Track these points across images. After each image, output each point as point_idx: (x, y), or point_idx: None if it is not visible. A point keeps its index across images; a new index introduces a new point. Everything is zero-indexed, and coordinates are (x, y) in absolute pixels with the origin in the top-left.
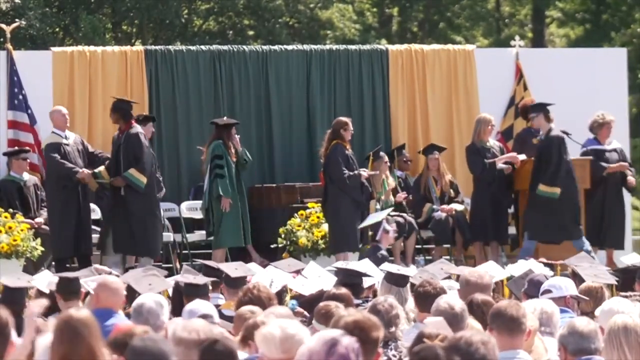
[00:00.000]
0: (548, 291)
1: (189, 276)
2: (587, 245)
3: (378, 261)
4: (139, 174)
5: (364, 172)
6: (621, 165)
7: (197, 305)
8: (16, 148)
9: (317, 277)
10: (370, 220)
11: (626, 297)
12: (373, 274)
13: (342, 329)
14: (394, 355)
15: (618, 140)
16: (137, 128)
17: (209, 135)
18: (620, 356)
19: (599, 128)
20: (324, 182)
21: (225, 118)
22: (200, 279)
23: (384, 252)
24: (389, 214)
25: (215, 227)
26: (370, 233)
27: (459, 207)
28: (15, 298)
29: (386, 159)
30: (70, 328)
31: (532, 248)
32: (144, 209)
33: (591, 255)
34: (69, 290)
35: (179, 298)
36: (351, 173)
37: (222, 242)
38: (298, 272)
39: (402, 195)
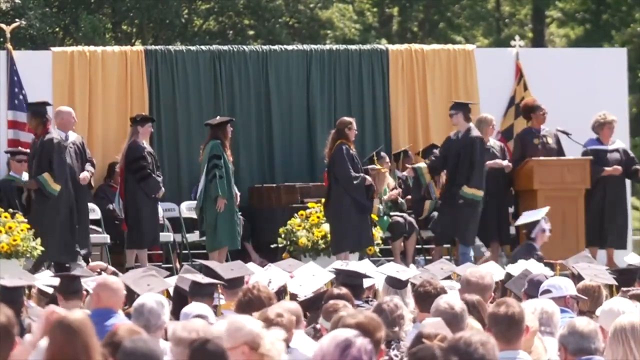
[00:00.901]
0: (548, 291)
1: (192, 276)
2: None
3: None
4: (52, 181)
5: (370, 173)
6: (615, 169)
7: (192, 307)
8: (19, 148)
9: (311, 276)
10: (528, 218)
11: (627, 291)
12: (372, 275)
13: None
14: (396, 356)
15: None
16: (52, 133)
17: (208, 134)
18: (627, 352)
19: (600, 128)
20: (328, 182)
21: (218, 117)
22: (206, 279)
23: (539, 253)
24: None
25: (210, 228)
26: (523, 231)
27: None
28: (13, 297)
29: (388, 159)
30: (64, 329)
31: (471, 253)
32: (53, 214)
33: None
34: (70, 289)
35: (179, 298)
36: (358, 175)
37: (219, 244)
38: None
39: (394, 192)
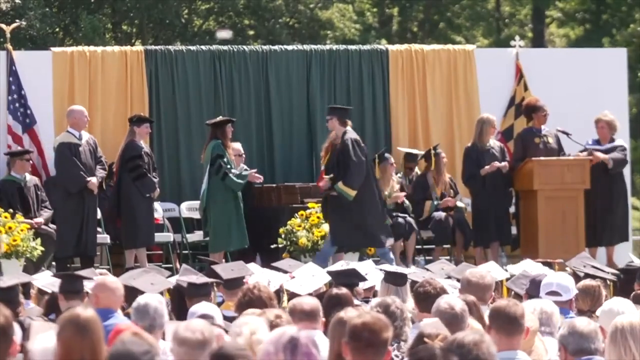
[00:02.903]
0: (556, 293)
1: (190, 276)
2: (389, 254)
3: None
4: None
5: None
6: (596, 157)
7: (199, 307)
8: (19, 149)
9: (311, 276)
10: None
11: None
12: (372, 275)
13: (352, 330)
14: (397, 356)
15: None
16: None
17: (207, 135)
18: (627, 352)
19: (596, 128)
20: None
21: (220, 117)
22: (202, 279)
23: None
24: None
25: (212, 230)
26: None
27: (458, 203)
28: (10, 297)
29: (392, 160)
30: (74, 326)
31: (330, 253)
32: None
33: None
34: (71, 289)
35: (179, 298)
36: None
37: (221, 246)
38: None
39: (400, 195)
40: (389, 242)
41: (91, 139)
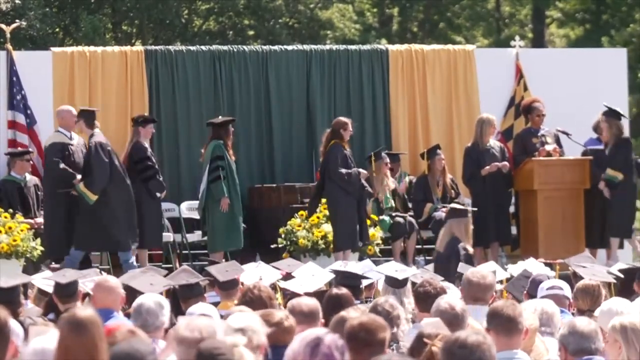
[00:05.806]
0: (557, 287)
1: (181, 278)
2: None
3: None
4: None
5: (363, 171)
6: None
7: (197, 308)
8: (19, 149)
9: (311, 276)
10: None
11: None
12: (371, 275)
13: (348, 331)
14: None
15: None
16: None
17: (208, 135)
18: (627, 351)
19: (600, 127)
20: (321, 180)
21: (220, 117)
22: (192, 279)
23: None
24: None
25: (212, 229)
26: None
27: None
28: (10, 298)
29: (387, 160)
30: (72, 326)
31: (78, 258)
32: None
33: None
34: (65, 293)
35: (177, 299)
36: (349, 171)
37: (221, 246)
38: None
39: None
40: (134, 246)
41: (81, 141)
